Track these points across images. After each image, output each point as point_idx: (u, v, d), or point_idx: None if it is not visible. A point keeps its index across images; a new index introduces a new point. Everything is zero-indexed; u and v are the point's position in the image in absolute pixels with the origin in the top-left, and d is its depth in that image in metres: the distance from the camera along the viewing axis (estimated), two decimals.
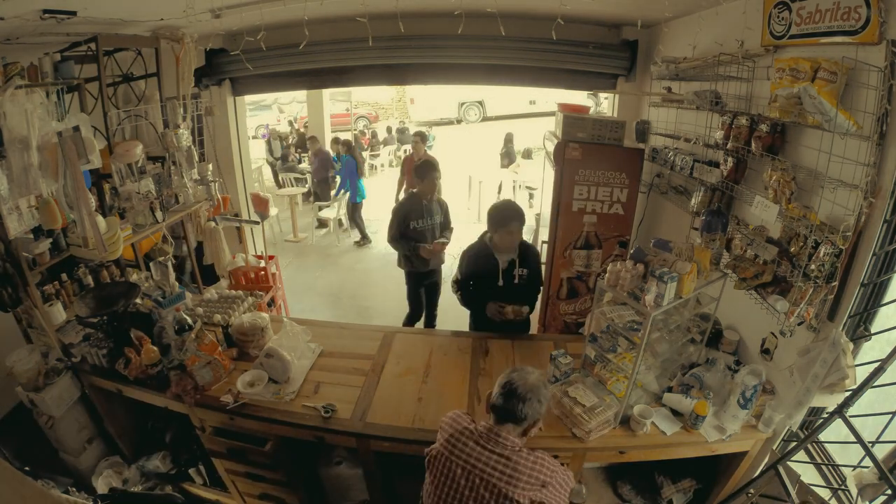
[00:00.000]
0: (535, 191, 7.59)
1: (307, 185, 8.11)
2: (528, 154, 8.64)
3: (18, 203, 2.18)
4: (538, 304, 3.49)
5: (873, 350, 1.73)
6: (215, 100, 4.26)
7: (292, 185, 8.17)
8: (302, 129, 10.46)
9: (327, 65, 4.12)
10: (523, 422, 1.55)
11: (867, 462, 1.54)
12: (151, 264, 2.92)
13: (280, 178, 8.77)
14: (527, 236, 6.73)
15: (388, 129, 11.57)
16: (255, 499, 2.52)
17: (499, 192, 8.16)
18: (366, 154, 9.99)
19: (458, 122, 14.98)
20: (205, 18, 2.86)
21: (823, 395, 1.69)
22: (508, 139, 9.34)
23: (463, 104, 14.78)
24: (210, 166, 3.50)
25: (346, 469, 2.43)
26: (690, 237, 2.57)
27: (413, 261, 3.51)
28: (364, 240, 6.85)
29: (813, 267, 1.69)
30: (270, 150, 9.26)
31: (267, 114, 13.76)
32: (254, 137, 11.37)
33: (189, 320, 2.45)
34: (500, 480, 1.47)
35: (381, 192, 9.22)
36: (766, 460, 2.03)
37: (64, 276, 2.65)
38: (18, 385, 2.33)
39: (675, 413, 2.10)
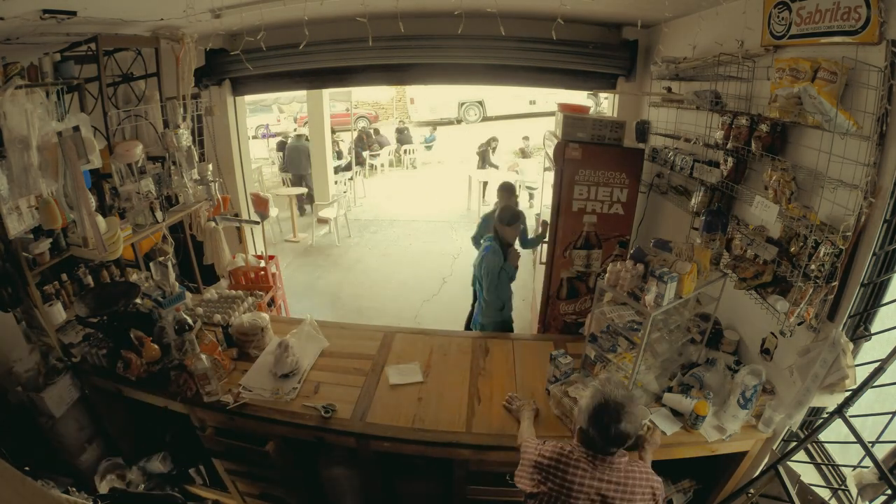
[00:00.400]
0: (535, 190, 7.59)
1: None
2: (527, 154, 8.62)
3: (18, 203, 2.18)
4: (538, 305, 3.50)
5: (873, 350, 1.73)
6: (215, 100, 4.26)
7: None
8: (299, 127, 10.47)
9: (327, 65, 4.12)
10: (628, 441, 1.50)
11: (867, 462, 1.54)
12: (151, 264, 2.92)
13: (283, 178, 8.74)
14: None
15: (376, 132, 11.46)
16: (255, 499, 2.52)
17: (483, 192, 8.13)
18: (366, 154, 9.99)
19: (459, 122, 14.98)
20: (205, 18, 2.86)
21: (823, 395, 1.69)
22: (489, 142, 9.04)
23: (463, 104, 14.78)
24: (210, 166, 3.50)
25: (345, 469, 2.43)
26: (690, 237, 2.57)
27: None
28: None
29: (813, 267, 1.69)
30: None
31: (265, 114, 13.74)
32: (254, 137, 11.38)
33: (189, 320, 2.45)
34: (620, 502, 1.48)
35: (381, 192, 9.25)
36: (766, 460, 2.03)
37: (64, 276, 2.66)
38: (18, 385, 2.33)
39: (675, 413, 2.10)
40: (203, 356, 2.24)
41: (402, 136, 11.42)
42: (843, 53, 1.60)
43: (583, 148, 2.93)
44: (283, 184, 8.17)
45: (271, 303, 3.87)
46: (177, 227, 3.53)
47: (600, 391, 1.51)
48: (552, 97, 11.98)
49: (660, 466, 2.40)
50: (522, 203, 8.02)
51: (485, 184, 8.18)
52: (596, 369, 2.19)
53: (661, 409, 2.11)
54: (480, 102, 14.90)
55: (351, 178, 8.47)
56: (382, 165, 10.71)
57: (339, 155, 8.62)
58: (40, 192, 2.22)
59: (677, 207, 2.94)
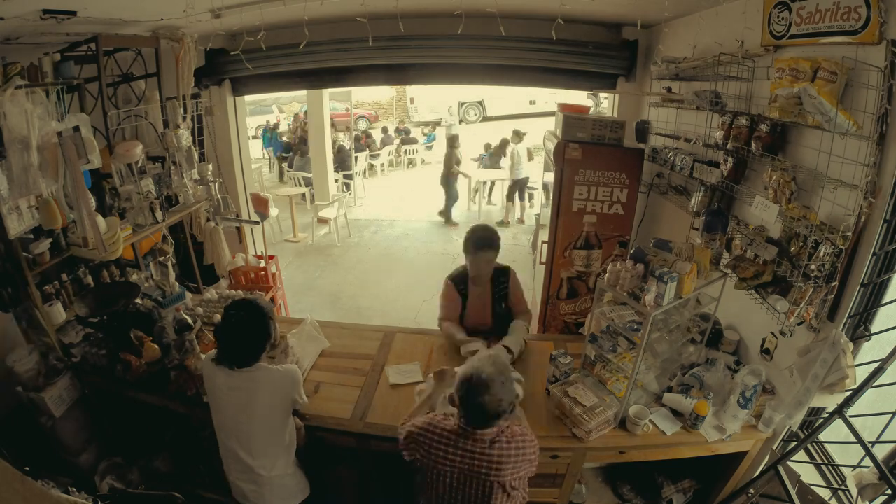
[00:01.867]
0: (535, 190, 7.59)
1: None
2: (528, 154, 8.60)
3: (18, 203, 2.18)
4: (538, 305, 3.49)
5: (873, 350, 1.73)
6: (215, 100, 4.26)
7: (298, 185, 8.14)
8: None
9: (327, 65, 4.12)
10: (500, 418, 1.56)
11: (867, 462, 1.54)
12: (151, 264, 2.92)
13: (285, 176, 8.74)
14: (526, 236, 6.73)
15: (384, 130, 11.53)
16: None
17: (473, 194, 8.12)
18: (364, 154, 9.98)
19: (459, 121, 14.98)
20: (205, 18, 2.86)
21: (823, 395, 1.69)
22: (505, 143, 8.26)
23: (463, 104, 14.79)
24: (210, 166, 3.51)
25: (346, 469, 2.43)
26: (690, 237, 2.57)
27: None
28: None
29: (813, 267, 1.69)
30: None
31: (264, 115, 13.75)
32: (254, 137, 11.41)
33: (189, 320, 2.45)
34: (487, 475, 1.54)
35: (381, 193, 9.25)
36: (766, 460, 2.03)
37: (64, 276, 2.65)
38: (18, 385, 2.33)
39: (675, 413, 2.10)
40: (203, 356, 2.24)
41: (404, 136, 11.44)
42: (843, 53, 1.60)
43: (583, 148, 2.93)
44: (296, 183, 8.16)
45: (271, 303, 3.87)
46: (177, 227, 3.54)
47: (472, 366, 1.57)
48: (552, 97, 12.00)
49: (660, 466, 2.42)
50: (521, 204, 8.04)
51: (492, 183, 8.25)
52: (596, 369, 2.19)
53: (661, 409, 2.11)
54: (480, 102, 14.91)
55: (351, 178, 8.48)
56: (382, 165, 10.71)
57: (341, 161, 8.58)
58: (40, 192, 2.22)
59: (677, 207, 2.94)
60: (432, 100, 14.41)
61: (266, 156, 11.00)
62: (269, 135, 11.11)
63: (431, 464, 1.60)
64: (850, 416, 1.64)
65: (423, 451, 1.61)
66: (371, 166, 10.37)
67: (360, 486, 2.37)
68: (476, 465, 1.54)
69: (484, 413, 1.52)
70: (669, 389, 2.17)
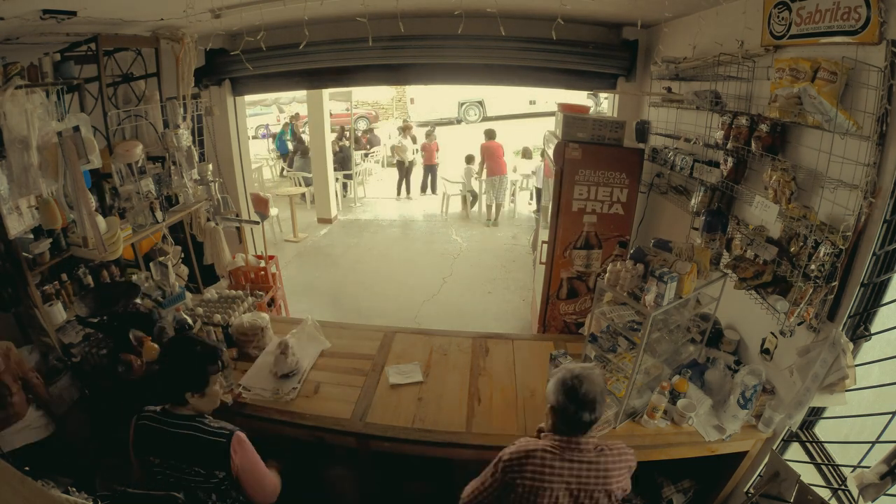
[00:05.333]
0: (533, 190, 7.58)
1: None
2: (527, 154, 8.59)
3: (18, 203, 2.18)
4: (538, 305, 3.50)
5: (873, 350, 1.73)
6: (215, 100, 4.27)
7: (298, 185, 8.13)
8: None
9: (327, 65, 4.13)
10: (597, 423, 1.52)
11: (867, 462, 1.54)
12: (151, 264, 2.92)
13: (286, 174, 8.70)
14: (526, 236, 6.75)
15: (371, 131, 11.41)
16: None
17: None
18: (360, 153, 9.93)
19: (459, 122, 14.98)
20: (205, 18, 2.86)
21: (823, 395, 1.69)
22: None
23: (463, 104, 14.78)
24: (210, 166, 3.51)
25: (346, 469, 2.43)
26: (690, 237, 2.57)
27: None
28: None
29: (813, 267, 1.69)
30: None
31: (264, 116, 13.75)
32: (254, 137, 11.37)
33: (189, 320, 2.45)
34: (596, 485, 1.48)
35: (380, 193, 9.25)
36: (766, 460, 2.03)
37: (64, 276, 2.65)
38: None
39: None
40: None
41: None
42: (843, 53, 1.60)
43: (583, 148, 2.93)
44: (296, 183, 8.14)
45: (271, 303, 3.87)
46: (177, 227, 3.53)
47: (567, 371, 1.52)
48: (552, 97, 11.99)
49: (660, 466, 2.41)
50: (523, 203, 8.01)
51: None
52: None
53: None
54: (480, 102, 14.90)
55: (351, 178, 8.48)
56: (379, 163, 10.69)
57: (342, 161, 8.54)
58: (40, 192, 2.22)
59: (677, 207, 2.94)
60: (432, 100, 14.39)
61: (274, 155, 10.73)
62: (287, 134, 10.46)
63: (538, 484, 1.48)
64: (850, 416, 1.64)
65: (529, 472, 1.49)
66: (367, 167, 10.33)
67: (359, 486, 2.37)
68: (585, 475, 1.48)
69: (591, 413, 1.47)
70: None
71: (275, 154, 10.57)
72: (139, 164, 2.90)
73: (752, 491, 1.94)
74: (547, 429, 1.59)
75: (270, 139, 11.54)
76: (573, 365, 1.55)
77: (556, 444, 1.51)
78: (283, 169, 9.23)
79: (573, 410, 1.47)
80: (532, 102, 14.10)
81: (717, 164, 2.40)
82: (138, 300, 2.60)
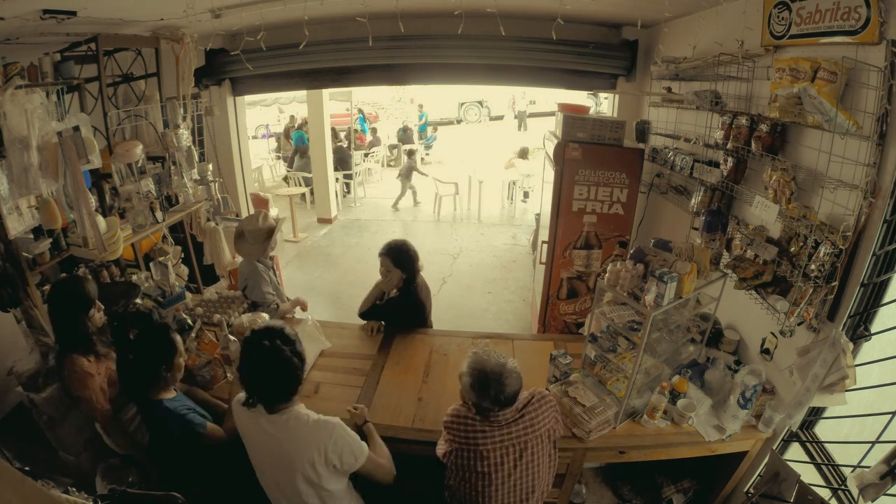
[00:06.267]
0: (531, 190, 7.60)
1: None
2: (524, 154, 8.59)
3: (18, 203, 2.18)
4: (538, 305, 3.50)
5: (873, 350, 1.73)
6: (215, 100, 4.27)
7: (298, 185, 8.12)
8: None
9: (327, 65, 4.12)
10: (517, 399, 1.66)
11: (867, 462, 1.54)
12: (151, 264, 2.92)
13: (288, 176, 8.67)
14: (526, 236, 6.72)
15: (374, 131, 11.38)
16: None
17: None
18: (359, 153, 9.92)
19: (458, 122, 14.99)
20: (205, 18, 2.86)
21: (823, 395, 1.69)
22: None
23: (463, 104, 14.79)
24: (210, 166, 3.51)
25: None
26: (690, 237, 2.57)
27: None
28: None
29: (813, 267, 1.69)
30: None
31: (264, 116, 13.72)
32: (254, 137, 11.36)
33: (189, 320, 2.45)
34: (528, 437, 1.64)
35: (381, 193, 9.25)
36: (766, 460, 2.03)
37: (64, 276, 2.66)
38: (18, 385, 2.33)
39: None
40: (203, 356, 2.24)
41: (405, 136, 11.39)
42: (843, 53, 1.60)
43: (583, 148, 2.93)
44: (297, 183, 8.14)
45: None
46: (177, 227, 3.54)
47: (476, 362, 1.66)
48: (552, 97, 11.98)
49: (660, 466, 2.42)
50: (516, 203, 8.01)
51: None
52: (596, 369, 2.19)
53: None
54: (480, 102, 14.91)
55: (351, 178, 8.47)
56: (378, 163, 10.69)
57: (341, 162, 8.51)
58: (40, 192, 2.22)
59: (677, 207, 2.94)
60: (433, 100, 14.40)
61: (278, 156, 10.65)
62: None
63: (472, 445, 1.63)
64: (850, 416, 1.64)
65: (462, 434, 1.65)
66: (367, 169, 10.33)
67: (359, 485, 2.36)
68: (515, 431, 1.63)
69: (506, 403, 1.63)
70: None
71: (274, 155, 10.56)
72: (139, 164, 2.91)
73: (752, 491, 1.94)
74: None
75: (273, 138, 11.55)
76: (476, 361, 1.68)
77: (479, 416, 1.66)
78: (286, 177, 9.20)
79: (488, 406, 1.62)
80: (532, 102, 14.13)
81: (717, 164, 2.40)
82: (138, 300, 2.60)
